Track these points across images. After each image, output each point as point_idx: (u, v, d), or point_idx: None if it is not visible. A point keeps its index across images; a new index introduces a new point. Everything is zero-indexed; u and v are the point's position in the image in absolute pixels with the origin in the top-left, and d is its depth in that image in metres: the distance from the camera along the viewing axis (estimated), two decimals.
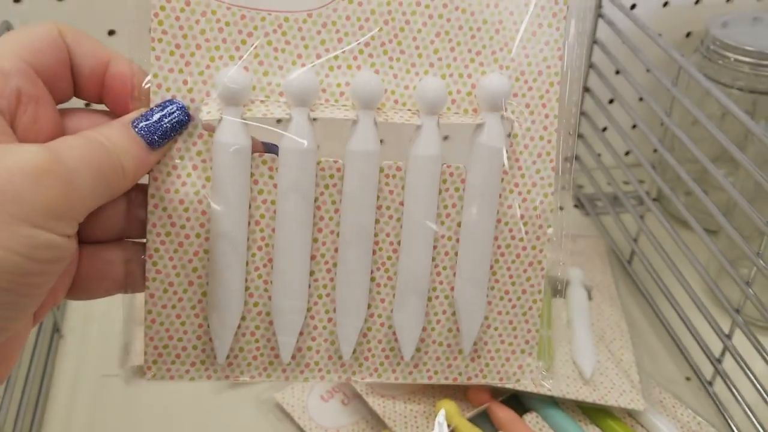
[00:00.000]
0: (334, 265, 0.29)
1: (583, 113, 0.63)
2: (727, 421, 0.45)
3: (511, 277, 0.31)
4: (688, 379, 0.48)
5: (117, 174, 0.25)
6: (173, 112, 0.27)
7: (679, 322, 0.49)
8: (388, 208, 0.29)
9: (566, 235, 0.58)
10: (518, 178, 0.30)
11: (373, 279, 0.29)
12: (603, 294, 0.53)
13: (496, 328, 0.31)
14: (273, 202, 0.28)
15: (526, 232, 0.30)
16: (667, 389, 0.46)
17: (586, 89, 0.61)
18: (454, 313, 0.30)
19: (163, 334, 0.29)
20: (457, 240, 0.30)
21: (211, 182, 0.28)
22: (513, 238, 0.30)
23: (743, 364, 0.43)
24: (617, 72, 0.57)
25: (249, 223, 0.28)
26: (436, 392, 0.44)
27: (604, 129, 0.63)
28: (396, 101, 0.29)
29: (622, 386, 0.44)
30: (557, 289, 0.47)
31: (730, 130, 0.58)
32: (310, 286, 0.29)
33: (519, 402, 0.44)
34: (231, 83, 0.27)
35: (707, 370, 0.47)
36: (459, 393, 0.44)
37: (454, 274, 0.30)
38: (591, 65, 0.60)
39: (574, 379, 0.44)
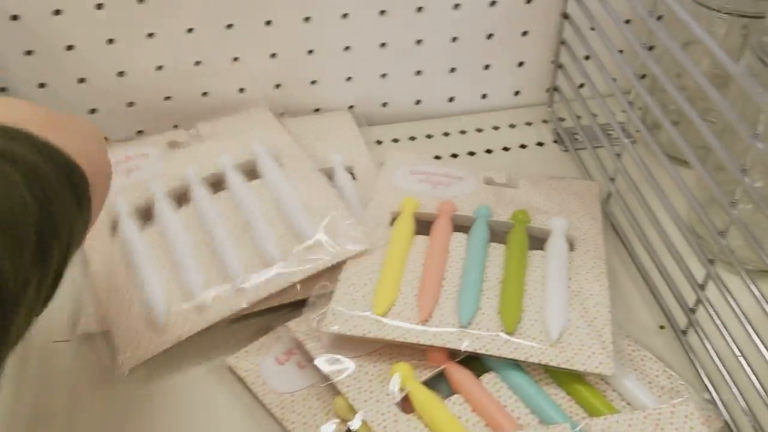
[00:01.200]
0: None
1: (563, 42, 0.58)
2: (698, 371, 0.43)
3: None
4: (662, 327, 0.46)
5: None
6: None
7: (656, 269, 0.47)
8: None
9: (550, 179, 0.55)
10: None
11: None
12: (588, 244, 0.48)
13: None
14: None
15: None
16: (640, 339, 0.44)
17: (565, 16, 0.57)
18: None
19: None
20: None
21: None
22: None
23: (715, 316, 0.40)
24: None
25: None
26: (394, 354, 0.42)
27: (587, 58, 0.59)
28: None
29: (592, 348, 0.41)
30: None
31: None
32: None
33: (480, 363, 0.42)
34: None
35: (682, 319, 0.45)
36: (417, 354, 0.42)
37: None
38: None
39: (541, 341, 0.42)
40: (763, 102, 0.34)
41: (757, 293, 0.37)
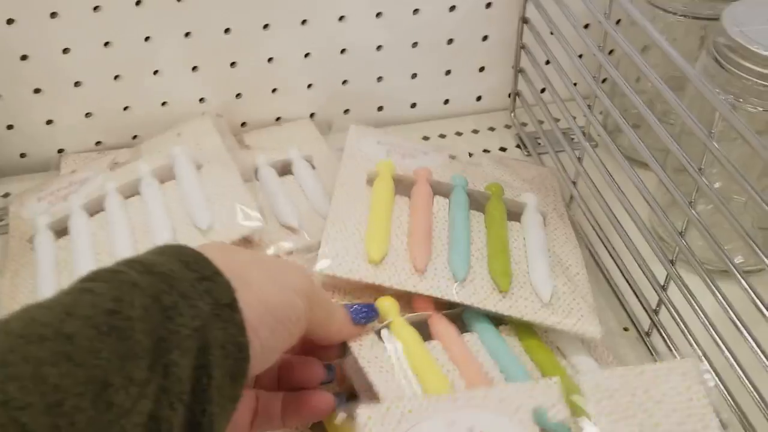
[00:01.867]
0: None
1: (523, 47, 0.58)
2: None
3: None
4: (626, 329, 0.46)
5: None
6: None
7: (618, 271, 0.47)
8: None
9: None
10: None
11: None
12: (557, 220, 0.49)
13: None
14: None
15: None
16: (605, 341, 0.44)
17: (525, 20, 0.57)
18: None
19: None
20: None
21: None
22: None
23: (677, 317, 0.41)
24: None
25: None
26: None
27: (548, 62, 0.60)
28: None
29: (580, 311, 0.42)
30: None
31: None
32: None
33: (461, 324, 0.42)
34: None
35: (646, 320, 0.45)
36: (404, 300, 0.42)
37: None
38: None
39: (532, 301, 0.42)
40: (718, 103, 0.34)
41: (717, 293, 0.37)
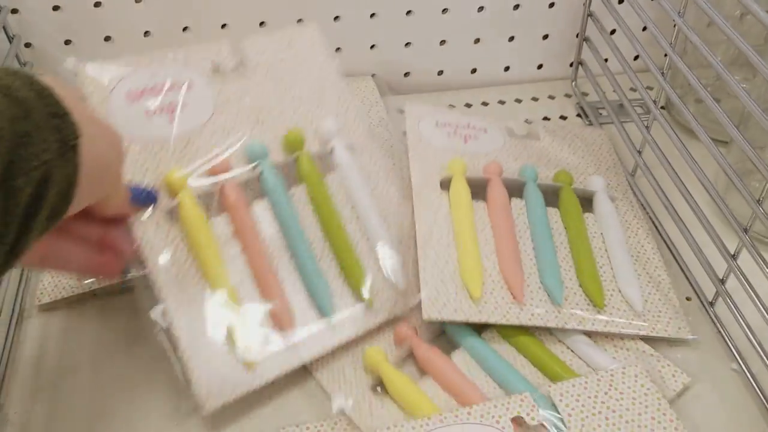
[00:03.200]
0: None
1: (590, 14, 0.58)
2: (726, 342, 0.43)
3: None
4: (688, 299, 0.46)
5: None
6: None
7: (682, 239, 0.47)
8: None
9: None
10: None
11: None
12: (625, 201, 0.50)
13: None
14: None
15: None
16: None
17: None
18: None
19: None
20: None
21: None
22: None
23: (748, 286, 0.40)
24: None
25: None
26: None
27: (613, 32, 0.59)
28: None
29: (668, 314, 0.43)
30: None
31: (748, 32, 0.53)
32: None
33: (449, 340, 0.42)
34: None
35: (709, 290, 0.45)
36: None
37: None
38: None
39: (625, 311, 0.43)
40: None
41: None
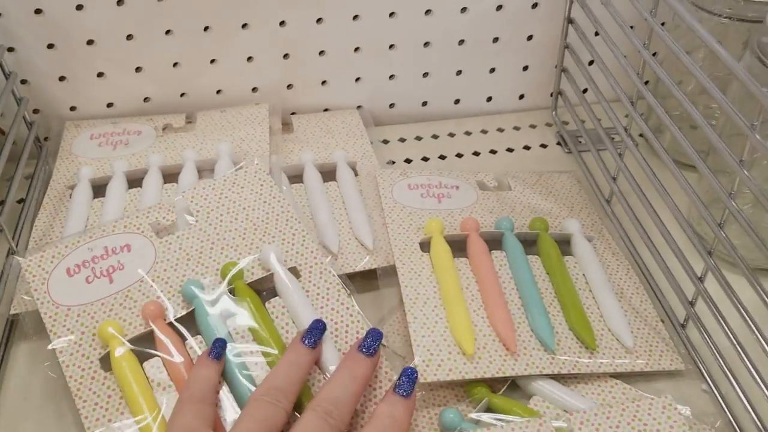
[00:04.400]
0: None
1: (567, 46, 0.60)
2: (697, 364, 0.44)
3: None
4: (661, 321, 0.47)
5: None
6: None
7: (655, 264, 0.48)
8: None
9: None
10: None
11: None
12: (601, 239, 0.51)
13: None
14: None
15: None
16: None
17: (570, 20, 0.58)
18: None
19: None
20: None
21: None
22: None
23: (714, 308, 0.42)
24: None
25: None
26: None
27: (591, 63, 0.61)
28: None
29: (658, 346, 0.44)
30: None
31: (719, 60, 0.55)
32: None
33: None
34: None
35: (681, 313, 0.46)
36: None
37: None
38: None
39: (618, 350, 0.44)
40: (763, 98, 0.35)
41: (756, 285, 0.38)
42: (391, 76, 0.63)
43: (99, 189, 0.53)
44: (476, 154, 0.62)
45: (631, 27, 0.59)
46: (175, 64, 0.58)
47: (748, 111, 0.37)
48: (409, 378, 0.37)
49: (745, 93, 0.41)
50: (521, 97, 0.66)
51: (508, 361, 0.42)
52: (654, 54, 0.61)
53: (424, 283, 0.46)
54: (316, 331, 0.40)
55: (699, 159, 0.42)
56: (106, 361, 0.41)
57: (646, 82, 0.62)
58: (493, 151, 0.63)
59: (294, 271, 0.46)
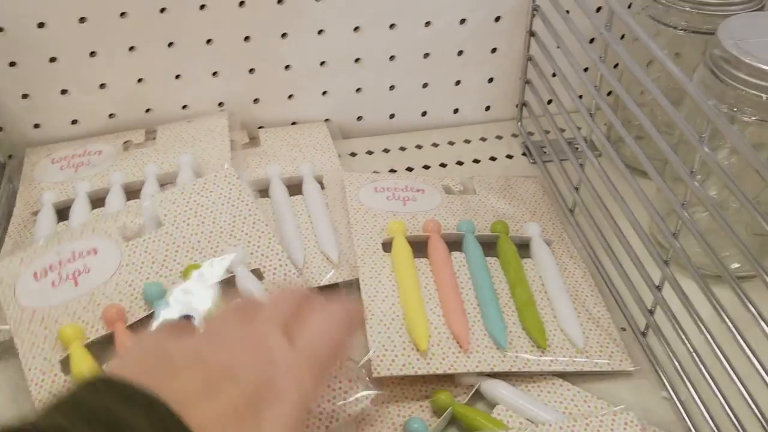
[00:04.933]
0: None
1: (530, 58, 0.61)
2: (657, 372, 0.45)
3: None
4: (623, 329, 0.48)
5: None
6: None
7: (616, 273, 0.49)
8: None
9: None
10: None
11: None
12: (560, 243, 0.52)
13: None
14: None
15: None
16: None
17: (532, 33, 0.59)
18: None
19: None
20: None
21: None
22: None
23: (671, 317, 0.42)
24: (568, 12, 0.55)
25: None
26: None
27: (553, 75, 0.62)
28: None
29: (609, 347, 0.45)
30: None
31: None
32: None
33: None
34: None
35: (642, 321, 0.47)
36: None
37: None
38: (536, 9, 0.57)
39: (568, 349, 0.44)
40: (711, 113, 0.36)
41: (710, 296, 0.38)
42: (358, 90, 0.63)
43: (63, 212, 0.53)
44: (443, 165, 0.63)
45: (592, 39, 0.60)
46: (139, 80, 0.58)
47: (702, 121, 0.37)
48: None
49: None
50: (487, 108, 0.67)
51: (461, 358, 0.43)
52: (616, 65, 0.62)
53: (383, 281, 0.47)
54: None
55: (653, 169, 0.42)
56: (66, 364, 0.41)
57: (610, 93, 0.63)
58: (459, 162, 0.63)
59: (257, 273, 0.46)
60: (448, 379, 0.43)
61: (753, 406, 0.36)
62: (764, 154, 0.45)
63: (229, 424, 0.26)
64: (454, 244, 0.50)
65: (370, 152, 0.64)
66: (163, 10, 0.55)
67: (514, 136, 0.66)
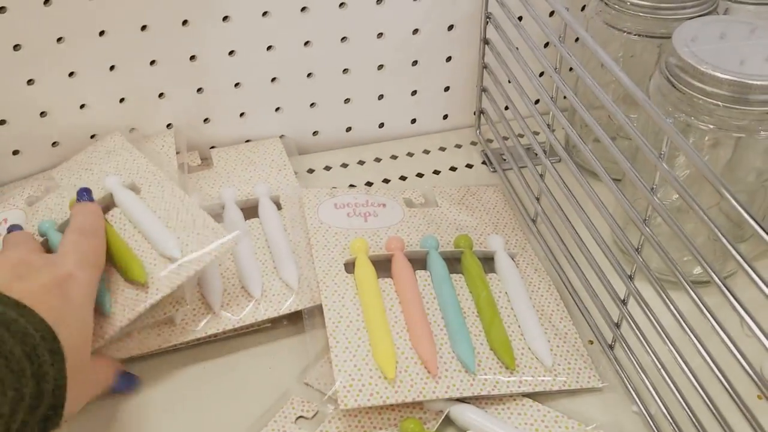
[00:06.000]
0: None
1: (485, 66, 0.60)
2: (626, 385, 0.44)
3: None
4: (591, 342, 0.47)
5: None
6: None
7: (581, 285, 0.48)
8: None
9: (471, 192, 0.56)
10: None
11: None
12: (524, 256, 0.51)
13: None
14: None
15: None
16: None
17: (486, 41, 0.58)
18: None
19: None
20: None
21: None
22: None
23: (637, 331, 0.42)
24: (520, 19, 0.54)
25: None
26: None
27: (509, 81, 0.61)
28: None
29: (577, 364, 0.44)
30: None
31: (632, 72, 0.55)
32: None
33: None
34: None
35: (609, 334, 0.46)
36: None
37: None
38: (488, 16, 0.57)
39: (537, 369, 0.43)
40: (665, 125, 0.35)
41: (671, 306, 0.38)
42: (312, 104, 0.62)
43: None
44: (403, 178, 0.61)
45: (546, 44, 0.60)
46: (82, 106, 0.56)
47: (659, 129, 0.37)
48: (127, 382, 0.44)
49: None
50: (445, 117, 0.66)
51: (429, 384, 0.42)
52: (571, 69, 0.61)
53: (347, 305, 0.45)
54: (86, 192, 0.47)
55: (610, 180, 0.41)
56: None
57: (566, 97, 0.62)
58: (419, 174, 0.62)
59: (134, 188, 0.51)
60: (416, 405, 0.42)
61: (717, 417, 0.35)
62: (722, 161, 0.44)
63: (41, 293, 0.36)
64: (418, 262, 0.49)
65: (328, 167, 0.62)
66: (102, 33, 0.53)
67: (473, 144, 0.65)
